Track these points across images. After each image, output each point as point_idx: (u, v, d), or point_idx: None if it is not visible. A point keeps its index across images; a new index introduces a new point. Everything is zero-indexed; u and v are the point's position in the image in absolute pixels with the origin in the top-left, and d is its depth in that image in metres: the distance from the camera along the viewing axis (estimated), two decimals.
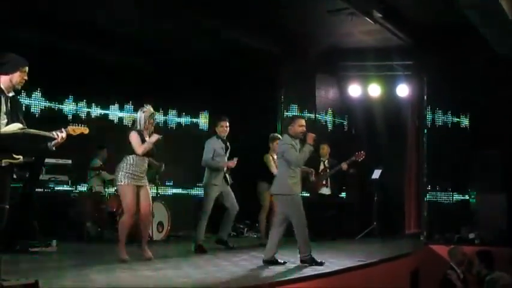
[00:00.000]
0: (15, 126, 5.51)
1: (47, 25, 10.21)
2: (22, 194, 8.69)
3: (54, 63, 10.75)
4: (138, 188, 7.82)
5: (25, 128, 5.58)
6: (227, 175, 9.37)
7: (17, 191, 8.64)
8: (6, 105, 5.51)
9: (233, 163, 9.32)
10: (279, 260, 7.73)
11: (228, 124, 9.38)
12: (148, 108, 7.98)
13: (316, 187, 11.78)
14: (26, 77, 5.66)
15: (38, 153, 8.21)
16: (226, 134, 9.39)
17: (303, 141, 7.88)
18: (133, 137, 7.81)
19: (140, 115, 7.95)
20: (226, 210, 9.42)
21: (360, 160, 11.48)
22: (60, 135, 5.77)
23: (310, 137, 7.77)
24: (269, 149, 10.27)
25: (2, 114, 5.47)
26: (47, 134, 5.61)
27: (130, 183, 7.74)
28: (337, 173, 11.67)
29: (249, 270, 7.32)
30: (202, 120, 13.81)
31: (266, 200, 10.23)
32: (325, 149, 11.97)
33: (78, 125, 6.11)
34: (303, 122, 7.94)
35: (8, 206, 5.46)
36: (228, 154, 9.43)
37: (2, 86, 5.53)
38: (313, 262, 7.61)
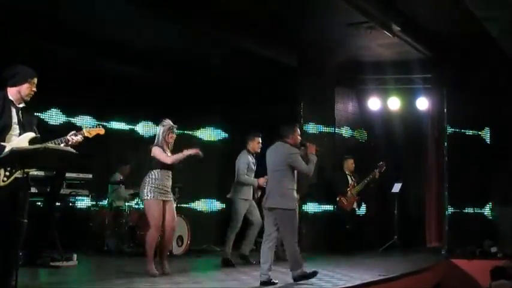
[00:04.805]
0: (27, 136, 5.55)
1: (75, 42, 10.35)
2: (43, 208, 8.74)
3: (78, 80, 10.90)
4: (164, 202, 7.73)
5: (37, 137, 5.63)
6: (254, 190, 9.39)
7: (38, 206, 8.71)
8: (17, 116, 5.56)
9: (264, 180, 9.24)
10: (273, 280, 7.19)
11: (261, 140, 9.41)
12: (168, 122, 7.90)
13: (351, 203, 11.83)
14: (34, 89, 5.66)
15: (58, 168, 8.26)
16: (259, 150, 9.39)
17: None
18: (157, 151, 7.72)
19: (159, 129, 7.90)
20: (251, 224, 9.38)
21: (382, 171, 11.65)
22: (75, 139, 5.79)
23: (312, 148, 7.51)
24: None
25: (13, 125, 5.51)
26: (68, 149, 5.55)
27: (157, 197, 7.67)
28: (369, 183, 11.82)
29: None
30: (221, 134, 13.83)
31: None
32: (349, 163, 12.05)
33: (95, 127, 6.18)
34: (298, 130, 7.63)
35: (26, 220, 5.42)
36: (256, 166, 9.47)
37: (11, 98, 5.56)
38: (305, 277, 7.26)
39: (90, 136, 6.02)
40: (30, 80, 5.62)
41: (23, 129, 5.57)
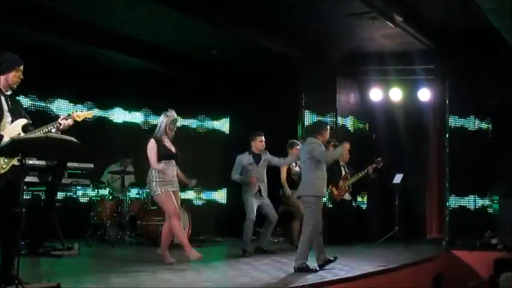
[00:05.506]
0: (20, 123, 5.57)
1: (76, 32, 10.34)
2: (44, 198, 8.75)
3: (79, 71, 10.94)
4: (173, 192, 7.80)
5: (29, 123, 5.65)
6: (261, 187, 9.39)
7: (40, 195, 8.72)
8: (7, 104, 5.57)
9: (253, 180, 9.29)
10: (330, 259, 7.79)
11: (264, 139, 9.46)
12: (172, 113, 7.85)
13: (341, 193, 11.78)
14: (21, 76, 5.66)
15: (60, 157, 8.26)
16: (263, 148, 9.45)
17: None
18: (150, 148, 7.71)
19: (162, 119, 7.84)
20: (266, 219, 9.46)
21: (379, 166, 11.58)
22: (67, 123, 5.81)
23: (346, 147, 9.03)
24: (288, 154, 10.19)
25: (5, 112, 5.51)
26: (70, 138, 5.51)
27: (167, 190, 7.70)
28: (363, 177, 11.76)
29: (270, 274, 7.29)
30: (223, 125, 13.82)
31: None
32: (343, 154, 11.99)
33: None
34: (329, 128, 8.19)
35: (23, 209, 5.41)
36: (261, 164, 9.47)
37: None
38: (306, 271, 7.39)
39: (79, 119, 6.00)
40: (17, 67, 5.62)
41: (14, 116, 5.59)
